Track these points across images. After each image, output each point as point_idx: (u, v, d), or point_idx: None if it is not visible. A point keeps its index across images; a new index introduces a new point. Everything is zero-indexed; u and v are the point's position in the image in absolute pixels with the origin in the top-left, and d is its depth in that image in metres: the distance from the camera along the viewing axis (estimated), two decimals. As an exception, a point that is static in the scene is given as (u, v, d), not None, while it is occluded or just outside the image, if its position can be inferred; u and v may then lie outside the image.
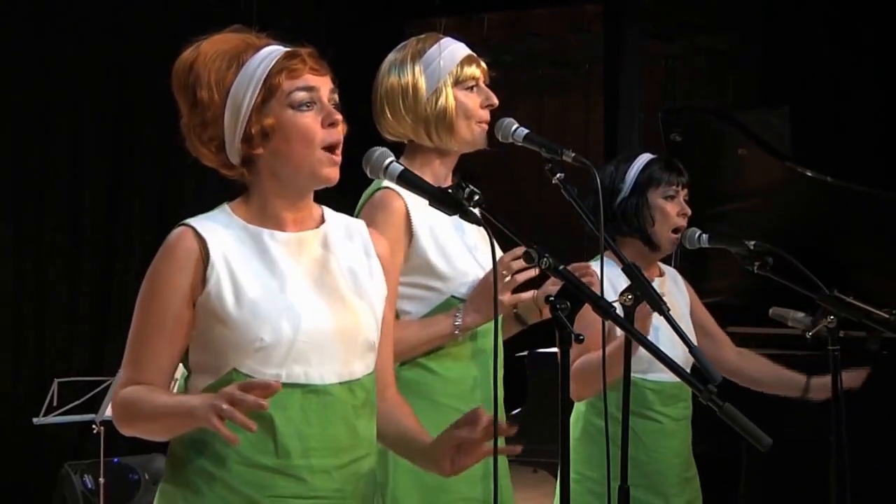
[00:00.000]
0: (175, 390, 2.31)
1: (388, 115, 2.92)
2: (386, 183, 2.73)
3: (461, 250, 2.86)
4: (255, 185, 2.27)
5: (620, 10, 8.62)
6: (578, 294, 2.20)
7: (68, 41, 7.23)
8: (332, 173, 2.24)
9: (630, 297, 2.81)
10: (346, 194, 2.79)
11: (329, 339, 2.21)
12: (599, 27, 9.29)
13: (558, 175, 2.86)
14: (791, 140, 7.76)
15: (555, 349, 2.22)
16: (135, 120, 7.53)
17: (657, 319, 3.04)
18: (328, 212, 2.36)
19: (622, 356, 2.83)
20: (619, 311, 2.74)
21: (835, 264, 4.35)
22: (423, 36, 2.96)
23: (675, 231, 3.45)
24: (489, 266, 2.67)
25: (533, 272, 2.63)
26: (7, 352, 7.03)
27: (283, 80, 2.21)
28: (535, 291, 2.91)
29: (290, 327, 2.18)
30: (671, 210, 3.43)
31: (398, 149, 2.90)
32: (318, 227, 2.31)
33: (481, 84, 2.94)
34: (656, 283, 3.39)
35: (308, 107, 2.22)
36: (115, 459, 6.33)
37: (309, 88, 2.22)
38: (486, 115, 2.93)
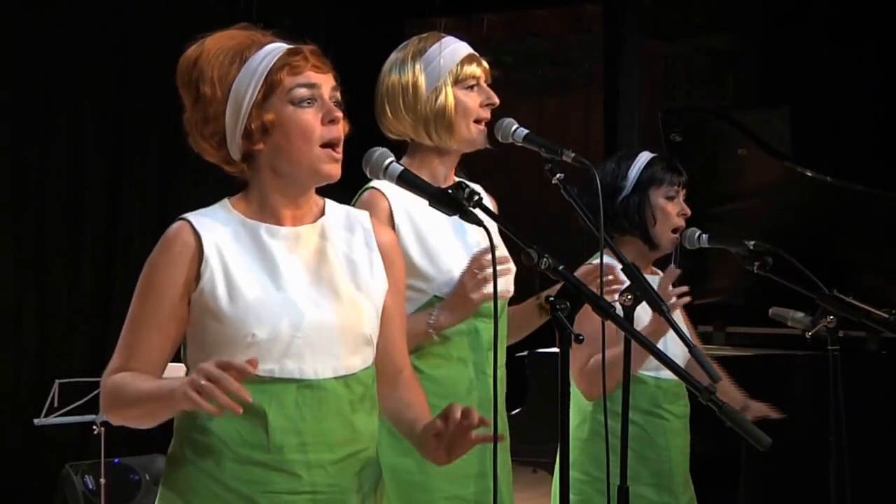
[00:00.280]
0: None
1: (389, 114, 2.92)
2: (374, 183, 2.74)
3: (451, 251, 2.84)
4: (255, 180, 2.27)
5: (620, 10, 8.61)
6: (578, 294, 2.21)
7: (68, 41, 7.22)
8: (333, 170, 2.24)
9: (630, 297, 2.82)
10: (349, 193, 2.80)
11: (324, 334, 2.21)
12: (599, 27, 9.28)
13: (558, 175, 2.87)
14: (791, 140, 7.76)
15: (555, 349, 2.23)
16: (135, 120, 7.53)
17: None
18: (330, 204, 2.36)
19: (634, 356, 2.84)
20: (619, 310, 2.75)
21: (835, 264, 4.36)
22: (425, 35, 2.97)
23: (674, 231, 3.45)
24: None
25: (507, 268, 2.63)
26: (8, 352, 7.02)
27: (285, 77, 2.22)
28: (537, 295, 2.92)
29: (283, 323, 2.18)
30: (672, 210, 3.44)
31: (400, 148, 2.90)
32: (316, 220, 2.31)
33: (482, 83, 2.93)
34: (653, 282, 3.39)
35: (309, 103, 2.23)
36: (116, 460, 6.33)
37: (310, 85, 2.23)
38: (486, 114, 2.93)
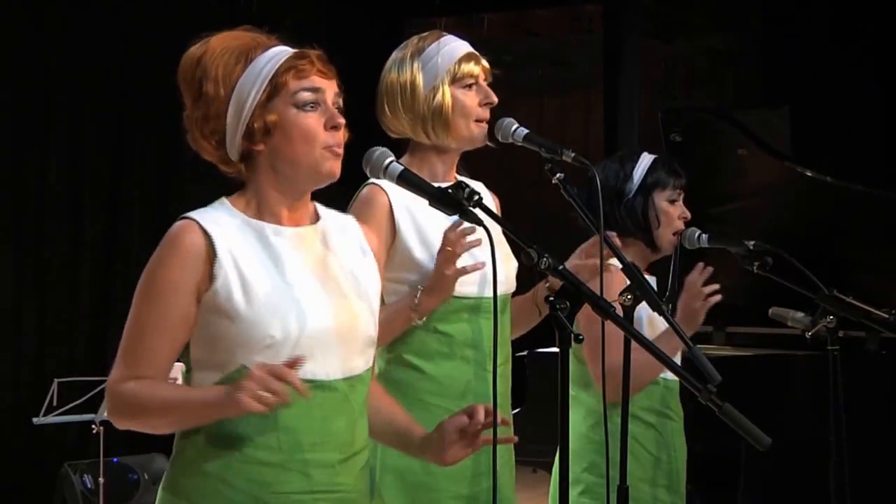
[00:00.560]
0: None
1: (388, 113, 2.93)
2: (373, 179, 2.74)
3: None
4: (253, 181, 2.27)
5: (620, 10, 8.62)
6: (578, 294, 2.21)
7: (68, 41, 7.22)
8: (334, 167, 2.24)
9: (630, 296, 2.82)
10: (348, 196, 2.80)
11: (332, 335, 2.22)
12: (599, 27, 9.28)
13: (558, 175, 2.86)
14: (791, 140, 7.76)
15: (554, 349, 2.23)
16: (135, 120, 7.53)
17: (658, 319, 3.04)
18: (321, 208, 2.36)
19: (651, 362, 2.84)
20: (619, 310, 2.74)
21: (835, 264, 4.36)
22: (426, 34, 2.97)
23: (675, 233, 3.45)
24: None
25: (477, 238, 2.64)
26: (7, 352, 7.02)
27: (290, 79, 2.22)
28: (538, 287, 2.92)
29: (298, 323, 2.18)
30: (674, 213, 3.44)
31: (401, 146, 2.90)
32: (314, 222, 2.32)
33: (480, 82, 2.93)
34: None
35: (312, 107, 2.23)
36: (115, 459, 6.33)
37: (315, 90, 2.23)
38: (484, 113, 2.93)
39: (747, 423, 2.19)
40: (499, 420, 2.24)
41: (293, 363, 2.07)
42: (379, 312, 2.36)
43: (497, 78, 2.98)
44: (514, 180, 9.80)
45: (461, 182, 2.30)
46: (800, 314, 3.64)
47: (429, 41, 2.92)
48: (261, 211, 2.26)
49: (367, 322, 2.29)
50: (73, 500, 6.23)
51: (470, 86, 2.91)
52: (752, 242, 3.47)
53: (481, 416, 2.28)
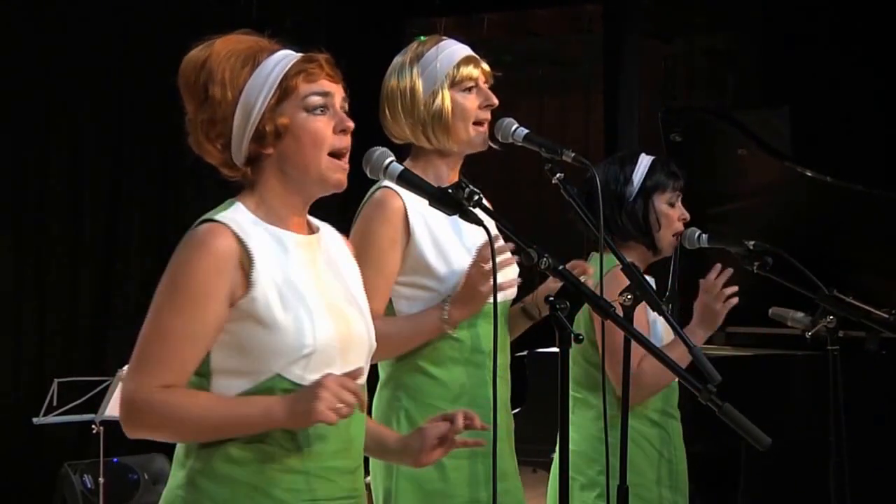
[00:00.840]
0: None
1: (389, 118, 2.94)
2: (386, 182, 2.74)
3: (459, 251, 2.86)
4: (259, 185, 2.26)
5: (620, 10, 8.61)
6: (578, 294, 2.21)
7: (68, 41, 7.22)
8: (341, 179, 2.24)
9: (629, 296, 2.82)
10: (348, 199, 2.79)
11: (352, 343, 2.24)
12: (599, 27, 9.28)
13: (558, 175, 2.87)
14: (791, 140, 7.75)
15: (554, 349, 2.23)
16: (135, 120, 7.53)
17: (656, 319, 3.04)
18: (310, 218, 2.36)
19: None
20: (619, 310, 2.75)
21: (835, 264, 4.35)
22: (425, 39, 2.97)
23: (675, 235, 3.46)
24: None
25: (510, 258, 2.66)
26: (7, 352, 7.02)
27: (300, 83, 2.22)
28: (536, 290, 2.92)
29: (326, 332, 2.18)
30: (674, 215, 3.44)
31: (404, 151, 2.91)
32: (313, 231, 2.32)
33: (480, 85, 2.93)
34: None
35: (322, 111, 2.23)
36: (115, 459, 6.33)
37: (324, 94, 2.23)
38: (485, 115, 2.93)
39: (747, 423, 2.19)
40: (477, 424, 2.33)
41: (354, 374, 2.11)
42: (402, 323, 2.38)
43: (497, 78, 2.98)
44: (514, 180, 9.81)
45: (461, 182, 2.31)
46: (800, 314, 3.64)
47: (428, 46, 2.93)
48: (270, 216, 2.24)
49: (371, 330, 2.32)
50: (73, 500, 6.23)
51: (470, 89, 2.92)
52: (751, 242, 3.47)
53: (460, 422, 2.33)
